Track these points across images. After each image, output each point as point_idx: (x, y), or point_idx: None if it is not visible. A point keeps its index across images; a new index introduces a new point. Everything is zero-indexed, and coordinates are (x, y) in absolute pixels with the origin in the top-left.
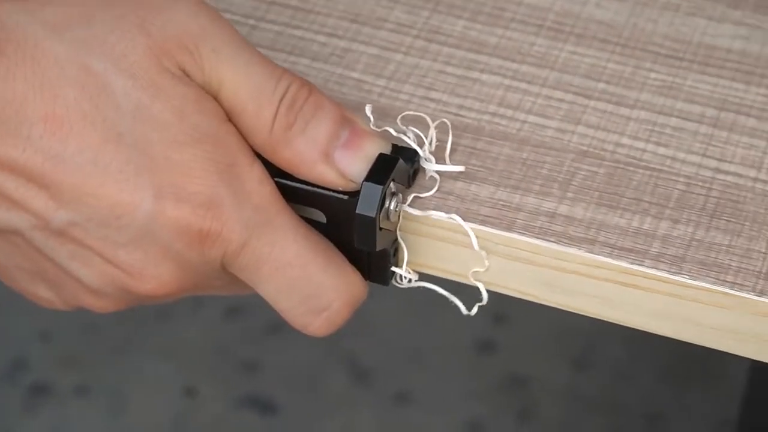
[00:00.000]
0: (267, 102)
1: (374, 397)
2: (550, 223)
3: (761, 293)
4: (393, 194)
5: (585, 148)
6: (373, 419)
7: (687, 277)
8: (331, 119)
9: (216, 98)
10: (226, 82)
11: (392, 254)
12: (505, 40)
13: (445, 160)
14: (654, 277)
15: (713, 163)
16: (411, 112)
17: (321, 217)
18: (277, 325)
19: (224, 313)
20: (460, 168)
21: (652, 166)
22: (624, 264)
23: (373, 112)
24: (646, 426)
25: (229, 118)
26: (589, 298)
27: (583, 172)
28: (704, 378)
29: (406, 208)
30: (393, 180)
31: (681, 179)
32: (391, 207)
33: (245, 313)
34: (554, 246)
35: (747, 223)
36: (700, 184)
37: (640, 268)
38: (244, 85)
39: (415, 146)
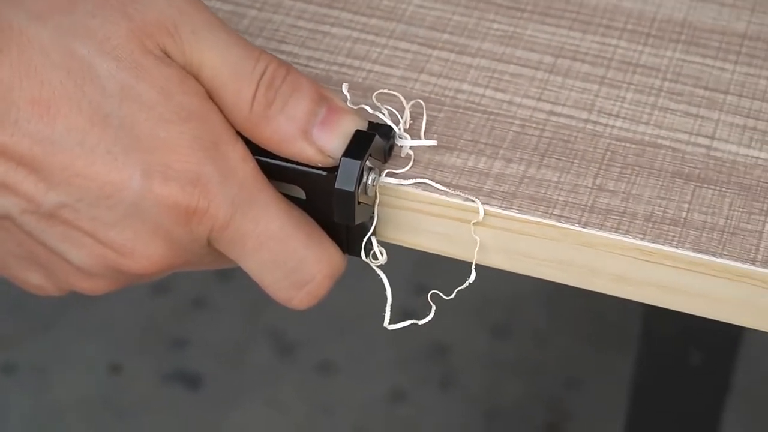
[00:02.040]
0: (246, 82)
1: (298, 369)
2: (392, 166)
3: (586, 225)
4: (370, 169)
5: (427, 94)
6: (298, 390)
7: (517, 211)
8: (308, 97)
9: (197, 78)
10: (206, 63)
11: (369, 228)
12: None
13: (420, 136)
14: (486, 212)
15: (547, 107)
16: (385, 90)
17: (300, 193)
18: (202, 302)
19: (151, 290)
20: (433, 143)
21: (489, 110)
22: (457, 201)
23: (349, 90)
24: (565, 389)
25: (210, 97)
26: (430, 235)
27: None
28: (620, 341)
29: (382, 180)
30: (370, 155)
31: (516, 121)
32: (369, 181)
33: (172, 290)
34: (393, 186)
35: (576, 161)
36: (533, 125)
37: (473, 205)
38: (224, 65)
39: (390, 123)
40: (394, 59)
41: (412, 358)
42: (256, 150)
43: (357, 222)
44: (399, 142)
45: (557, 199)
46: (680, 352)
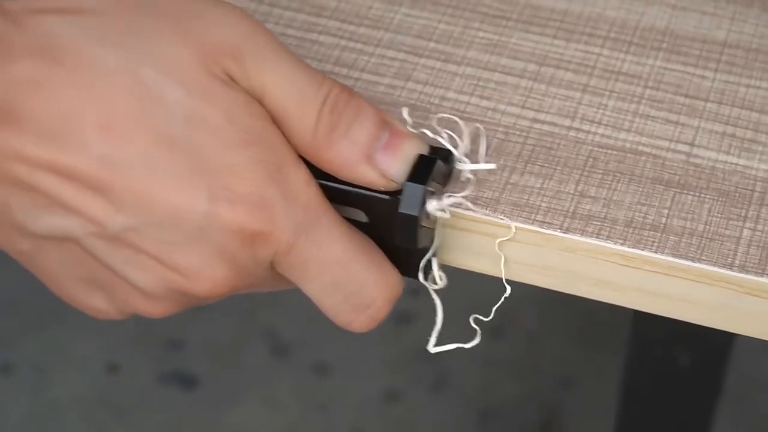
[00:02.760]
0: (310, 106)
1: (294, 369)
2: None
3: (568, 230)
4: (432, 193)
5: (413, 102)
6: (293, 390)
7: (500, 217)
8: (371, 122)
9: (260, 103)
10: (270, 87)
11: (429, 251)
12: (343, 3)
13: (477, 160)
14: (470, 219)
15: (531, 114)
16: (444, 115)
17: (361, 216)
18: None
19: None
20: (492, 166)
21: (474, 117)
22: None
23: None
24: (559, 390)
25: (273, 121)
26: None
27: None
28: (613, 342)
29: (443, 204)
30: (432, 180)
31: (500, 129)
32: (430, 206)
33: None
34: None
35: (558, 168)
36: (517, 132)
37: (458, 210)
38: (288, 89)
39: (450, 147)
40: (382, 67)
41: (407, 359)
42: (317, 174)
43: (419, 246)
44: (458, 165)
45: (540, 205)
46: (669, 353)
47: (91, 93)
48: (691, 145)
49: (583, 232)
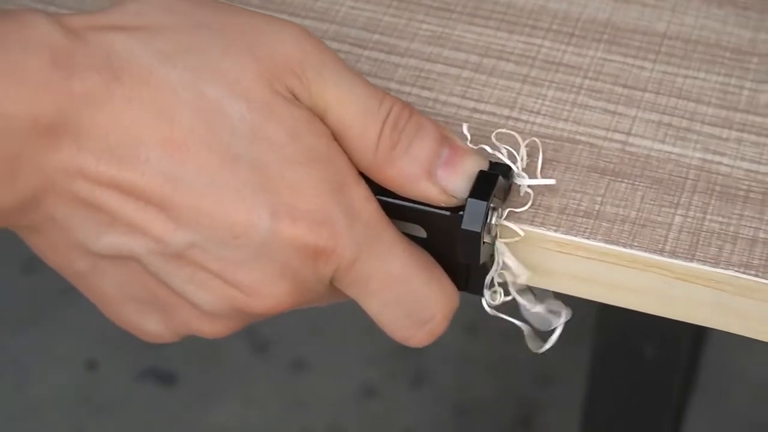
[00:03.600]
0: (372, 123)
1: (272, 367)
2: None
3: (502, 217)
4: (493, 209)
5: None
6: (272, 387)
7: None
8: (432, 138)
9: (322, 119)
10: (332, 104)
11: (490, 267)
12: None
13: (536, 175)
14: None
15: (471, 104)
16: (503, 130)
17: (420, 232)
18: None
19: None
20: (551, 181)
21: (415, 107)
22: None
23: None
24: (535, 385)
25: (335, 138)
26: None
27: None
28: (590, 336)
29: (503, 222)
30: (494, 196)
31: (440, 119)
32: (492, 221)
33: None
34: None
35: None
36: (457, 122)
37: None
38: (350, 106)
39: (509, 162)
40: None
41: (384, 355)
42: (376, 190)
43: (481, 261)
44: (517, 180)
45: None
46: (633, 345)
47: (154, 109)
48: (628, 134)
49: (517, 219)
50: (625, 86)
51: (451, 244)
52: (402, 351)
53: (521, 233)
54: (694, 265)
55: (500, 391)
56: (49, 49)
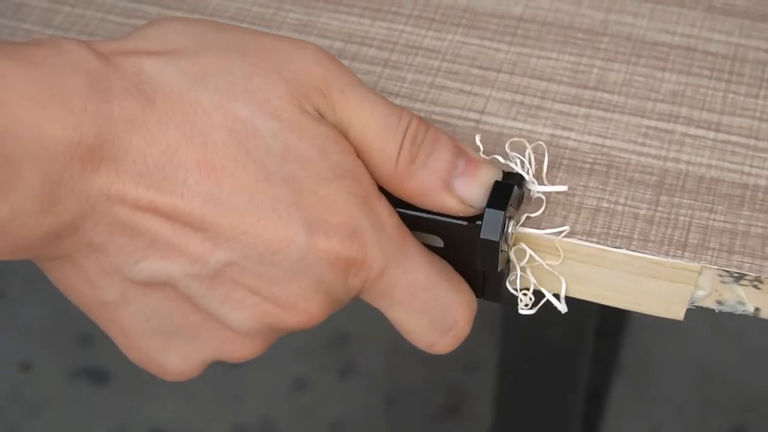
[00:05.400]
0: (392, 138)
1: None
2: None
3: None
4: (509, 218)
5: None
6: (205, 382)
7: None
8: (448, 151)
9: (345, 136)
10: (354, 121)
11: (506, 273)
12: None
13: (542, 180)
14: None
15: None
16: (516, 139)
17: (437, 242)
18: None
19: None
20: (563, 188)
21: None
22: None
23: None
24: (464, 373)
25: (357, 154)
26: None
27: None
28: None
29: (519, 228)
30: (510, 205)
31: None
32: (509, 230)
33: None
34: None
35: None
36: None
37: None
38: (371, 123)
39: (522, 171)
40: None
41: (314, 348)
42: (394, 203)
43: (499, 269)
44: (529, 187)
45: None
46: (539, 327)
47: (188, 131)
48: (482, 112)
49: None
50: (481, 68)
51: (470, 252)
52: (332, 343)
53: (535, 234)
54: (540, 232)
55: (429, 379)
56: (86, 73)
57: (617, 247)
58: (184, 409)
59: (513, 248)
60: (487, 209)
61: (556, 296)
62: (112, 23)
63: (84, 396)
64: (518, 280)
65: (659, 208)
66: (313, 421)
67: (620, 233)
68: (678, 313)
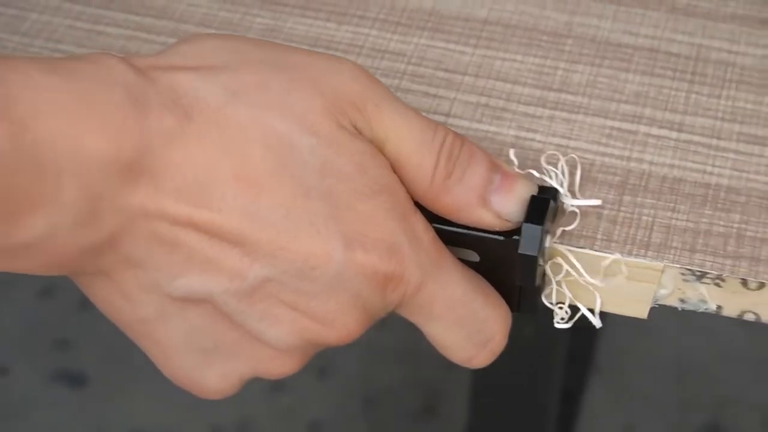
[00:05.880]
0: (428, 153)
1: None
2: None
3: None
4: (546, 232)
5: None
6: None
7: None
8: (484, 166)
9: (381, 151)
10: (390, 137)
11: (542, 288)
12: None
13: (575, 194)
14: None
15: None
16: (551, 152)
17: (472, 256)
18: (87, 303)
19: (37, 293)
20: (597, 202)
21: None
22: None
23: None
24: (441, 374)
25: (393, 169)
26: None
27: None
28: None
29: (556, 245)
30: (546, 219)
31: None
32: (546, 244)
33: (57, 292)
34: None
35: None
36: None
37: None
38: (407, 138)
39: (556, 185)
40: None
41: None
42: (429, 218)
43: (536, 284)
44: (563, 200)
45: None
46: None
47: (226, 146)
48: (447, 115)
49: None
50: (446, 71)
51: (506, 267)
52: None
53: (570, 255)
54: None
55: (406, 380)
56: (124, 87)
57: (581, 247)
58: (162, 410)
59: (549, 262)
60: (524, 224)
61: (591, 310)
62: (79, 30)
63: (62, 399)
64: (554, 294)
65: (622, 208)
66: (290, 422)
67: (584, 233)
68: (642, 312)
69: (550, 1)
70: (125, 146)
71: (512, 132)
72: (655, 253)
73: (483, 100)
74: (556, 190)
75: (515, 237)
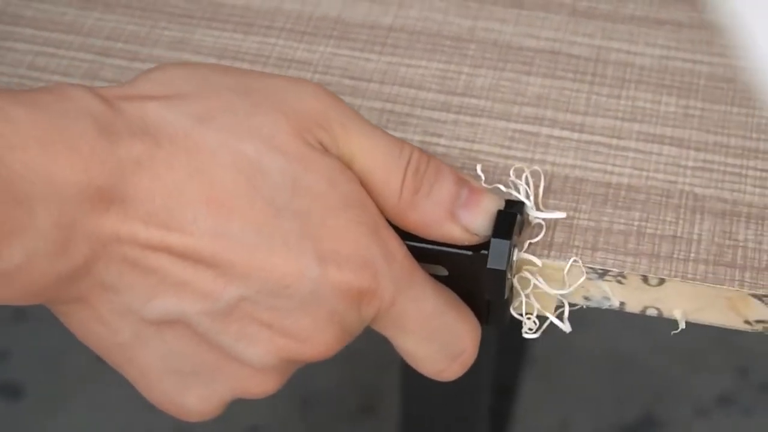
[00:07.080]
0: (395, 170)
1: (117, 373)
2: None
3: None
4: (514, 246)
5: None
6: (119, 392)
7: None
8: (450, 181)
9: (349, 168)
10: (357, 154)
11: (511, 300)
12: (39, 12)
13: (539, 206)
14: None
15: None
16: (519, 165)
17: (441, 271)
18: (23, 314)
19: None
20: (562, 215)
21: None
22: None
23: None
24: (378, 373)
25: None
26: None
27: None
28: None
29: (524, 255)
30: (514, 233)
31: None
32: (513, 258)
33: None
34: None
35: None
36: None
37: None
38: (373, 155)
39: (524, 199)
40: (71, 68)
41: None
42: (399, 235)
43: (505, 297)
44: (529, 213)
45: None
46: None
47: (195, 171)
48: None
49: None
50: (352, 78)
51: (475, 281)
52: None
53: (539, 263)
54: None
55: (344, 380)
56: (92, 117)
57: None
58: (99, 420)
59: (516, 275)
60: (493, 239)
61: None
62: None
63: None
64: (523, 306)
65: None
66: (228, 426)
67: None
68: (548, 308)
69: (453, 6)
70: (95, 175)
71: (417, 137)
72: (558, 253)
73: (388, 106)
74: (522, 204)
75: (483, 252)
